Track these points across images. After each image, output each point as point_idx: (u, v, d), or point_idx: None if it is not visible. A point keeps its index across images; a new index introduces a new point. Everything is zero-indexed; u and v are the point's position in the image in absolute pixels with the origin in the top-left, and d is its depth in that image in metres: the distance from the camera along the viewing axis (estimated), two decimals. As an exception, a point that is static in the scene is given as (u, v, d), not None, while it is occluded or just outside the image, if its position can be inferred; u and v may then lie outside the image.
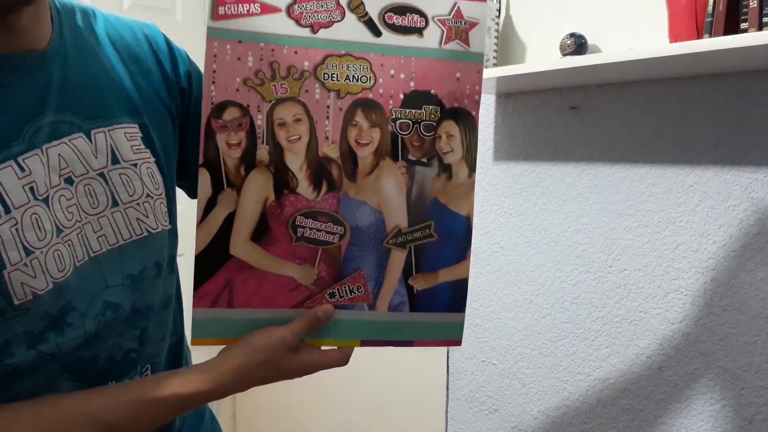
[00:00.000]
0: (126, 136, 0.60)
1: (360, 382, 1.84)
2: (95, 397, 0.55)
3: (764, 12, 0.96)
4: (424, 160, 0.62)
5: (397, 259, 0.63)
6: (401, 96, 0.61)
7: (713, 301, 1.17)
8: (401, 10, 0.61)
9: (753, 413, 1.14)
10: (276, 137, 0.59)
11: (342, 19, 0.60)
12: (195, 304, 0.60)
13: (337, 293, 0.62)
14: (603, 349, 1.34)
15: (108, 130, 0.59)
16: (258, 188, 0.60)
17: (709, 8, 1.03)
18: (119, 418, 0.54)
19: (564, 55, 1.24)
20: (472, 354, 1.61)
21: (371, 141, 0.61)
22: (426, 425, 1.71)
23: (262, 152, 0.59)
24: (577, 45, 1.23)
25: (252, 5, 0.58)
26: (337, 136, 0.60)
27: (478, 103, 0.63)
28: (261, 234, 0.60)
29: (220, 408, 2.18)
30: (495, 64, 1.41)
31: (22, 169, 0.51)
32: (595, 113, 1.32)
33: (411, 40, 0.61)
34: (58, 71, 0.56)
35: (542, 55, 1.40)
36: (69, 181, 0.55)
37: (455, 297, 0.65)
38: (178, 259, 0.70)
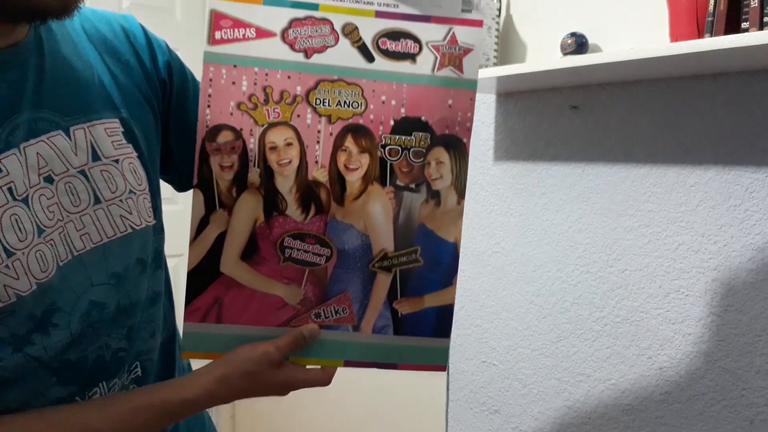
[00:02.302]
0: (106, 132, 0.59)
1: (360, 383, 1.83)
2: (87, 407, 0.56)
3: (765, 12, 0.96)
4: (413, 185, 0.63)
5: (383, 282, 0.64)
6: (391, 122, 0.61)
7: (714, 301, 1.17)
8: (395, 35, 0.61)
9: (754, 414, 1.13)
10: (267, 161, 0.61)
11: (336, 44, 0.60)
12: (186, 319, 0.61)
13: (322, 314, 0.63)
14: (604, 349, 1.34)
15: (87, 127, 0.58)
16: (248, 209, 0.61)
17: (710, 8, 1.03)
18: (112, 426, 0.55)
19: (564, 54, 1.24)
20: (473, 354, 1.60)
21: (360, 166, 0.62)
22: (426, 426, 1.71)
23: (254, 175, 0.61)
24: (578, 44, 1.23)
25: (248, 30, 0.59)
26: (326, 161, 0.61)
27: (469, 130, 0.63)
28: (250, 253, 0.62)
29: (220, 408, 2.18)
30: (495, 64, 1.40)
31: None
32: (595, 113, 1.32)
33: (404, 66, 0.61)
34: (33, 68, 0.55)
35: (542, 55, 1.40)
36: (49, 179, 0.54)
37: (440, 322, 0.65)
38: (178, 260, 0.70)
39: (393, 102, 0.61)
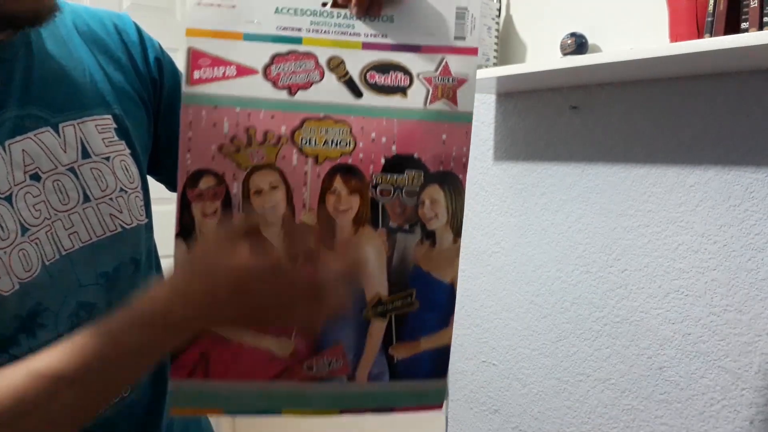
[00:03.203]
0: (97, 129, 0.58)
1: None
2: (46, 354, 0.47)
3: (765, 12, 0.96)
4: (406, 226, 0.59)
5: (377, 329, 0.60)
6: (382, 160, 0.58)
7: (714, 301, 1.17)
8: (384, 67, 0.57)
9: (754, 413, 1.13)
10: (252, 206, 0.57)
11: (321, 79, 0.57)
12: (172, 375, 0.58)
13: (314, 367, 0.60)
14: (603, 349, 1.34)
15: (78, 123, 0.57)
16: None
17: (710, 8, 1.03)
18: (69, 362, 0.46)
19: (564, 54, 1.24)
20: (473, 354, 1.61)
21: (350, 208, 0.58)
22: (426, 426, 1.71)
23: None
24: (578, 45, 1.23)
25: (228, 68, 0.56)
26: (315, 204, 0.57)
27: (465, 165, 0.59)
28: None
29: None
30: (495, 64, 1.41)
31: None
32: (595, 113, 1.32)
33: (394, 101, 0.57)
34: (21, 66, 0.54)
35: (542, 55, 1.40)
36: (35, 177, 0.53)
37: (437, 363, 0.62)
38: (164, 261, 0.69)
39: (383, 139, 0.57)
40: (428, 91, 0.58)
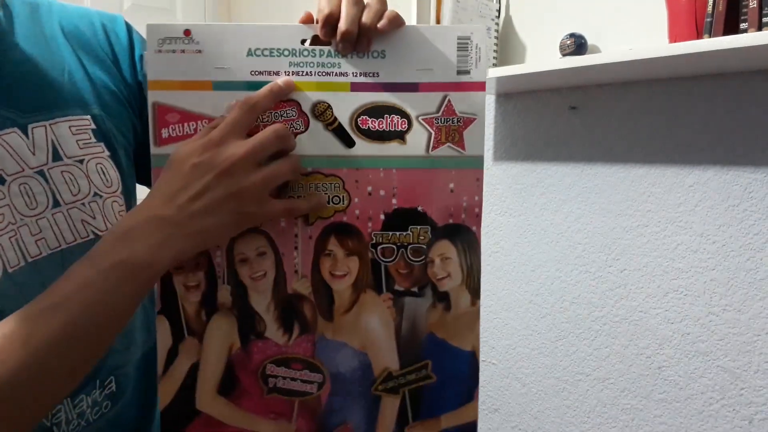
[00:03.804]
0: (71, 130, 0.55)
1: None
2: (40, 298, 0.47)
3: (764, 12, 0.96)
4: (415, 289, 0.53)
5: (390, 406, 0.54)
6: (382, 216, 0.52)
7: (713, 300, 1.17)
8: (378, 110, 0.51)
9: (753, 413, 1.14)
10: (238, 275, 0.52)
11: (306, 129, 0.50)
12: None
13: None
14: (603, 348, 1.35)
15: (49, 124, 0.54)
16: (221, 335, 0.53)
17: (709, 8, 1.03)
18: (48, 291, 0.45)
19: (564, 55, 1.24)
20: (472, 354, 1.61)
21: (348, 272, 0.52)
22: (426, 425, 1.71)
23: (224, 293, 0.52)
24: (577, 45, 1.23)
25: (199, 122, 0.50)
26: (308, 270, 0.52)
27: (479, 216, 0.52)
28: (229, 386, 0.53)
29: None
30: (494, 65, 1.41)
31: None
32: (595, 113, 1.33)
33: (391, 148, 0.51)
34: None
35: (542, 55, 1.40)
36: None
37: None
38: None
39: (381, 192, 0.51)
40: (430, 135, 0.51)
